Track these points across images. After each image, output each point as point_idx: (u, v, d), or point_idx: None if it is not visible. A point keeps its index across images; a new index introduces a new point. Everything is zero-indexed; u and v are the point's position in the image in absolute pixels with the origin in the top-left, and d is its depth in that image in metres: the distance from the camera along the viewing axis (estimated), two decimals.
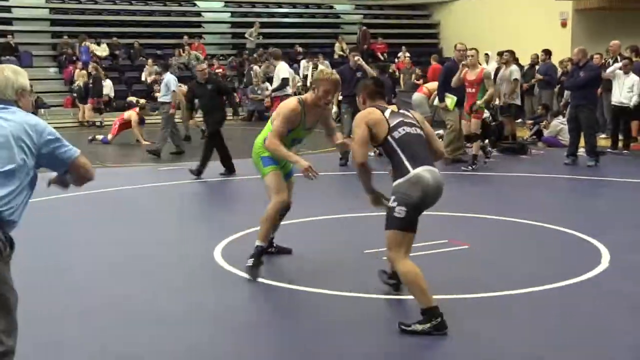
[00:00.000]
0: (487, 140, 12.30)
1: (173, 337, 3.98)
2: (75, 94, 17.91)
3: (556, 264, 5.29)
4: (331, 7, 25.27)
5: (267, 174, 5.00)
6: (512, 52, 12.45)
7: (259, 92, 18.48)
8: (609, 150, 11.47)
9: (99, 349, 3.82)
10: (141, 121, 13.92)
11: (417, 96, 11.89)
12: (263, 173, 5.04)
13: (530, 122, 13.73)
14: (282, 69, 11.15)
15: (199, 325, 4.14)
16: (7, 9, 20.79)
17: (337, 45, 22.23)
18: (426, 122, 4.37)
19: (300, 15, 24.39)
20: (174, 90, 11.57)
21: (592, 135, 10.24)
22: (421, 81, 17.78)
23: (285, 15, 24.23)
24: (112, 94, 18.88)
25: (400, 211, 3.93)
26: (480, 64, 15.55)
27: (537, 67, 14.96)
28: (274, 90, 11.27)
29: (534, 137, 13.01)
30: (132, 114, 13.80)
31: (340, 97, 10.73)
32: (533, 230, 6.35)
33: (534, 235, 6.24)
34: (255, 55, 20.30)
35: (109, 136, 13.94)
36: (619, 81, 11.73)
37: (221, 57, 21.70)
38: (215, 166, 9.66)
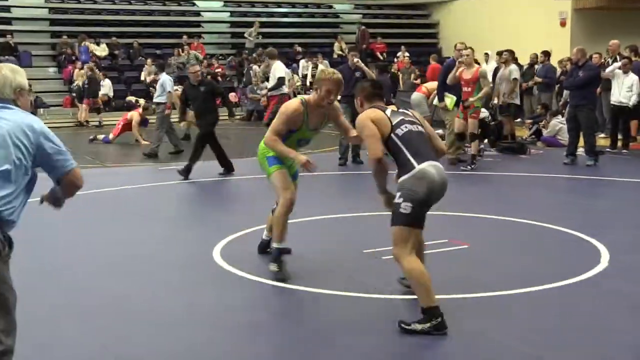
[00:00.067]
0: (485, 140, 12.34)
1: (172, 337, 3.98)
2: (74, 94, 17.91)
3: (555, 264, 5.30)
4: (330, 7, 25.27)
5: (272, 172, 5.00)
6: (511, 52, 12.46)
7: (258, 91, 18.49)
8: (608, 149, 11.49)
9: (98, 349, 3.82)
10: (144, 122, 13.92)
11: (416, 96, 11.89)
12: (268, 172, 5.04)
13: (529, 121, 13.74)
14: (278, 69, 11.15)
15: (199, 325, 4.14)
16: (7, 8, 20.78)
17: (336, 45, 22.24)
18: (426, 122, 4.40)
19: (299, 14, 24.39)
20: (169, 91, 11.56)
21: (591, 134, 10.25)
22: (419, 81, 17.82)
23: (285, 14, 24.23)
24: (111, 94, 18.89)
25: (406, 207, 3.93)
26: (479, 64, 15.56)
27: (536, 67, 14.97)
28: (270, 90, 11.28)
29: (533, 136, 13.02)
30: (134, 114, 13.81)
31: (339, 97, 10.72)
32: (532, 230, 6.36)
33: (534, 234, 6.25)
34: (254, 54, 20.30)
35: (110, 136, 13.94)
36: (618, 81, 11.74)
37: (220, 57, 21.70)
38: (214, 166, 9.66)
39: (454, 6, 23.14)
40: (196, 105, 9.37)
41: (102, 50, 20.37)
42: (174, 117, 11.70)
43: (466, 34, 19.28)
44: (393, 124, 4.08)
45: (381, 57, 21.89)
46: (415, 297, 4.08)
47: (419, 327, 3.87)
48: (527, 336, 3.90)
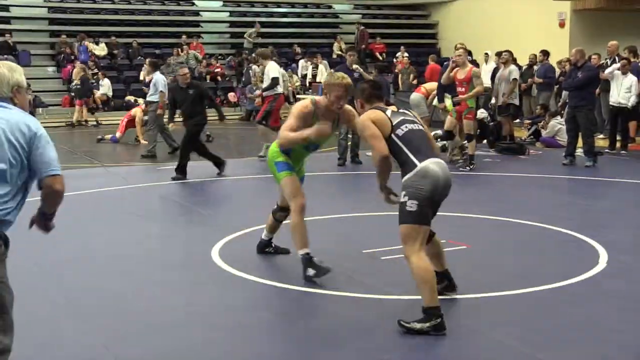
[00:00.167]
0: (484, 141, 12.35)
1: (172, 337, 3.98)
2: (73, 93, 17.89)
3: (554, 264, 5.30)
4: (330, 7, 25.27)
5: (282, 179, 4.98)
6: (510, 53, 12.46)
7: (258, 91, 18.48)
8: (606, 150, 11.50)
9: (97, 348, 3.82)
10: (146, 121, 13.91)
11: (415, 96, 11.89)
12: (278, 178, 5.01)
13: (527, 122, 13.75)
14: (272, 69, 11.14)
15: (198, 325, 4.14)
16: (5, 7, 20.75)
17: (335, 45, 22.24)
18: (423, 123, 4.40)
19: (298, 14, 24.39)
20: (161, 90, 11.54)
21: (590, 135, 10.26)
22: (415, 81, 17.85)
23: (284, 14, 24.23)
24: (110, 94, 18.88)
25: (412, 205, 3.94)
26: (478, 64, 15.54)
27: (535, 67, 14.98)
28: (264, 90, 11.28)
29: (532, 137, 13.04)
30: (137, 111, 13.80)
31: None
32: (531, 231, 6.36)
33: (532, 235, 6.25)
34: (253, 54, 20.29)
35: (117, 134, 13.93)
36: (617, 82, 11.75)
37: (219, 57, 21.70)
38: (212, 166, 9.66)
39: (454, 6, 23.16)
40: (185, 107, 9.35)
41: (101, 49, 20.36)
42: (165, 117, 11.67)
43: (465, 34, 19.30)
44: (393, 124, 4.10)
45: (380, 58, 21.92)
46: (414, 297, 4.08)
47: (418, 326, 3.87)
48: (527, 336, 3.90)
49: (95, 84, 18.77)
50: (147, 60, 19.25)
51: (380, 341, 3.86)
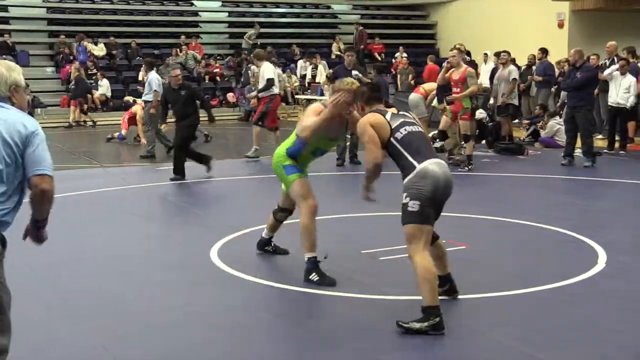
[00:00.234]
0: (483, 141, 12.36)
1: (171, 337, 3.98)
2: (71, 94, 17.88)
3: (553, 264, 5.30)
4: (328, 7, 25.27)
5: (292, 182, 4.94)
6: (509, 53, 12.42)
7: (253, 93, 18.48)
8: (605, 150, 11.50)
9: (95, 349, 3.81)
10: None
11: (413, 97, 11.90)
12: (288, 181, 4.97)
13: (526, 122, 13.76)
14: (267, 70, 11.13)
15: (197, 326, 4.13)
16: (4, 8, 20.74)
17: (334, 45, 22.25)
18: (422, 125, 4.45)
19: (297, 15, 24.39)
20: (155, 90, 11.53)
21: (589, 136, 10.26)
22: (413, 82, 17.87)
23: (283, 15, 24.23)
24: (109, 94, 18.87)
25: (413, 205, 3.97)
26: (477, 64, 15.53)
27: (533, 67, 14.99)
28: (260, 91, 11.28)
29: (530, 137, 13.04)
30: (137, 108, 13.79)
31: None
32: (530, 231, 6.37)
33: (531, 235, 6.26)
34: (252, 55, 20.29)
35: (123, 131, 13.93)
36: (615, 82, 11.75)
37: (218, 57, 21.70)
38: (212, 166, 9.66)
39: (452, 7, 23.17)
40: (177, 108, 9.32)
41: (100, 50, 20.35)
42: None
43: (464, 34, 19.32)
44: (392, 127, 4.13)
45: (379, 58, 21.92)
46: (413, 297, 4.08)
47: (416, 325, 3.87)
48: (526, 336, 3.90)
49: (94, 84, 18.77)
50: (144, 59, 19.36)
51: (379, 341, 3.86)
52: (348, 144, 10.47)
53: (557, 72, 14.60)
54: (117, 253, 5.76)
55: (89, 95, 18.02)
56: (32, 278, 4.94)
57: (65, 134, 16.07)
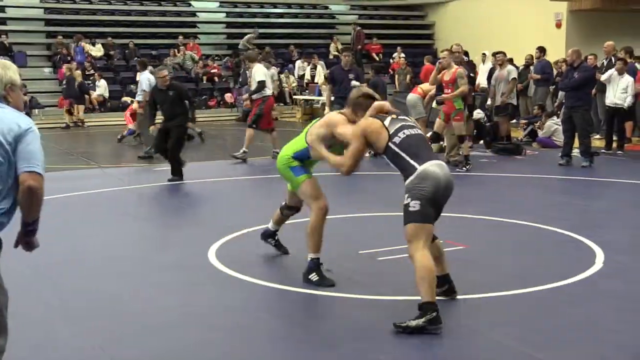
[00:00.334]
0: (481, 142, 12.37)
1: (168, 338, 3.97)
2: (63, 93, 17.83)
3: (551, 264, 5.31)
4: (326, 8, 25.27)
5: (301, 182, 4.90)
6: (505, 54, 12.38)
7: (245, 95, 18.48)
8: (603, 150, 11.52)
9: (93, 350, 3.81)
10: None
11: (411, 97, 11.89)
12: (297, 183, 4.93)
13: (523, 122, 13.77)
14: (258, 72, 11.09)
15: (195, 327, 4.13)
16: (1, 8, 20.72)
17: (332, 45, 22.26)
18: (421, 128, 4.49)
19: (295, 15, 24.39)
20: (144, 90, 11.48)
21: (587, 136, 10.27)
22: (409, 80, 17.90)
23: (281, 15, 24.22)
24: (106, 94, 18.85)
25: (414, 205, 4.01)
26: (475, 65, 15.54)
27: (531, 68, 15.00)
28: (252, 94, 11.26)
29: (528, 137, 13.05)
30: (137, 105, 13.77)
31: (333, 98, 10.73)
32: (528, 231, 6.37)
33: (529, 235, 6.26)
34: (244, 56, 20.29)
35: (130, 126, 13.90)
36: (613, 82, 11.77)
37: (216, 57, 21.69)
38: (208, 167, 9.65)
39: (450, 7, 23.19)
40: (165, 108, 9.28)
41: (97, 50, 20.33)
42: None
43: (462, 35, 19.32)
44: (390, 132, 4.17)
45: (377, 58, 21.93)
46: (412, 298, 4.08)
47: (413, 323, 3.88)
48: (525, 336, 3.90)
49: (91, 85, 18.76)
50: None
51: (378, 342, 3.86)
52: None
53: (555, 72, 14.62)
54: (114, 254, 5.76)
55: (87, 96, 17.98)
56: (30, 278, 4.93)
57: (62, 135, 16.06)
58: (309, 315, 4.45)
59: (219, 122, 18.88)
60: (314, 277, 4.78)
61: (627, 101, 11.63)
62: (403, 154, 4.10)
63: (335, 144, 4.74)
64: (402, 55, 20.59)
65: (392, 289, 4.66)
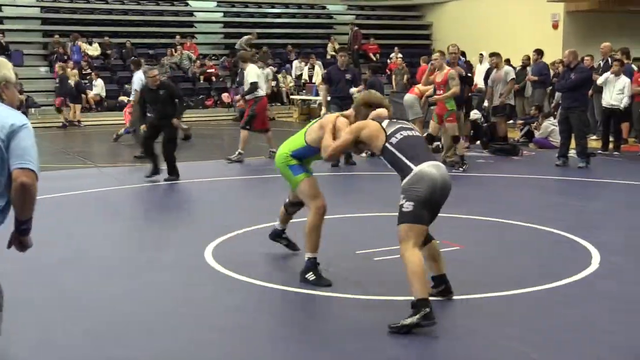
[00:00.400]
0: (478, 142, 12.38)
1: (167, 338, 3.97)
2: (55, 92, 17.79)
3: (547, 265, 5.32)
4: (324, 8, 25.28)
5: (299, 181, 4.90)
6: (498, 55, 12.31)
7: (238, 96, 18.48)
8: (599, 151, 11.54)
9: (91, 350, 3.80)
10: None
11: (408, 97, 11.89)
12: (295, 181, 4.92)
13: (520, 122, 13.79)
14: (251, 73, 11.05)
15: (194, 327, 4.12)
16: None
17: (329, 45, 22.26)
18: (419, 130, 4.54)
19: (292, 15, 24.38)
20: (135, 89, 11.46)
21: (583, 136, 10.29)
22: (405, 80, 17.93)
23: (278, 15, 24.21)
24: (103, 94, 18.83)
25: (408, 206, 4.05)
26: (472, 65, 15.53)
27: (528, 68, 15.02)
28: (244, 95, 11.25)
29: (524, 138, 13.07)
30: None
31: (329, 98, 10.73)
32: (525, 232, 6.38)
33: (526, 236, 6.27)
34: (237, 56, 20.28)
35: (128, 124, 13.87)
36: (609, 84, 11.79)
37: (213, 57, 21.67)
38: (203, 167, 9.64)
39: (448, 7, 23.21)
40: (156, 108, 9.24)
41: (94, 49, 20.30)
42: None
43: (459, 35, 19.34)
44: (388, 133, 4.23)
45: (374, 58, 21.94)
46: (409, 298, 4.08)
47: (407, 321, 3.90)
48: (521, 336, 3.91)
49: (88, 84, 18.73)
50: (141, 60, 19.33)
51: (375, 342, 3.86)
52: None
53: (551, 73, 14.64)
54: (111, 254, 5.75)
55: (83, 95, 17.96)
56: (26, 278, 4.92)
57: (59, 134, 16.04)
58: (306, 315, 4.45)
59: (215, 121, 18.87)
60: (310, 276, 4.79)
61: (624, 102, 11.65)
62: (400, 155, 4.14)
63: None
64: (400, 55, 20.60)
65: (389, 289, 4.66)
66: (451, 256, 5.19)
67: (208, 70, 20.61)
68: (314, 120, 5.04)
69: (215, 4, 23.74)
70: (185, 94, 19.21)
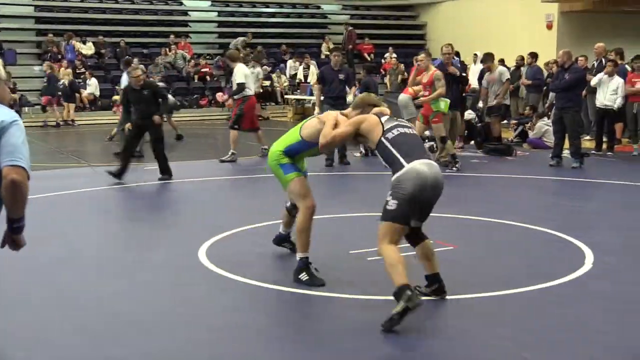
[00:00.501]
0: (472, 142, 12.40)
1: (162, 338, 3.96)
2: (59, 93, 17.76)
3: (541, 265, 5.33)
4: (318, 7, 25.27)
5: (289, 181, 4.89)
6: (490, 55, 12.28)
7: (225, 96, 18.47)
8: (593, 152, 11.57)
9: (86, 349, 3.79)
10: None
11: (402, 97, 11.91)
12: (285, 181, 4.91)
13: (514, 122, 13.81)
14: (239, 73, 11.00)
15: (188, 326, 4.11)
16: None
17: (324, 45, 22.26)
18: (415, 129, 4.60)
19: (287, 15, 24.37)
20: (122, 89, 11.43)
21: (577, 137, 10.31)
22: (399, 79, 17.96)
23: (272, 15, 24.19)
24: (97, 93, 18.78)
25: (392, 204, 4.11)
26: (467, 65, 15.55)
27: (522, 69, 15.05)
28: (231, 95, 11.23)
29: (518, 138, 13.09)
30: None
31: (322, 98, 10.72)
32: (518, 232, 6.39)
33: (519, 236, 6.28)
34: (241, 55, 20.25)
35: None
36: (603, 84, 11.82)
37: (207, 57, 21.64)
38: (196, 166, 9.62)
39: (442, 7, 23.24)
40: (140, 108, 9.19)
41: (88, 49, 20.25)
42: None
43: (454, 35, 19.36)
44: (385, 128, 4.27)
45: (369, 58, 21.94)
46: None
47: (394, 311, 3.90)
48: (514, 336, 3.91)
49: (82, 83, 18.68)
50: (135, 59, 19.26)
51: (368, 341, 3.86)
52: None
53: (545, 74, 14.67)
54: (104, 254, 5.73)
55: (77, 94, 17.90)
56: (20, 278, 4.90)
57: (52, 133, 15.99)
58: (301, 315, 4.45)
59: (209, 121, 18.85)
60: (304, 276, 4.78)
61: (617, 103, 11.68)
62: (394, 150, 4.18)
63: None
64: (394, 55, 20.62)
65: (382, 288, 4.65)
66: (444, 256, 5.20)
67: (202, 70, 20.58)
68: (306, 120, 5.04)
69: (209, 3, 23.71)
70: (179, 94, 19.26)
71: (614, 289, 4.77)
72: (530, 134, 12.82)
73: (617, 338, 3.94)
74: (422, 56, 10.12)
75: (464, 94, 11.95)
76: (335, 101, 10.04)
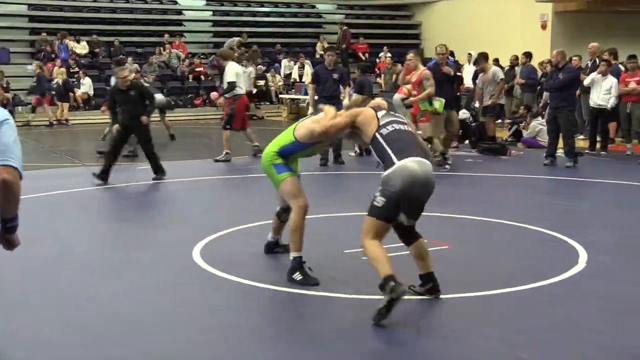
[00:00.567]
0: (466, 141, 12.41)
1: (159, 338, 3.95)
2: (53, 92, 17.72)
3: (534, 264, 5.33)
4: (313, 7, 25.27)
5: (282, 180, 4.87)
6: (484, 55, 12.29)
7: (216, 94, 18.43)
8: (587, 151, 11.60)
9: (86, 349, 3.78)
10: None
11: (397, 97, 11.90)
12: (277, 180, 4.90)
13: (508, 122, 13.83)
14: (230, 72, 10.97)
15: (184, 327, 4.10)
16: None
17: (318, 44, 22.26)
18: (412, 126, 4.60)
19: (282, 14, 24.36)
20: (110, 89, 11.40)
21: (571, 136, 10.34)
22: (394, 79, 17.98)
23: (267, 14, 24.19)
24: (91, 92, 18.74)
25: (379, 201, 4.14)
26: (461, 64, 15.56)
27: (516, 68, 15.08)
28: (222, 94, 11.21)
29: (512, 137, 13.11)
30: None
31: (316, 98, 10.71)
32: (512, 231, 6.40)
33: (513, 235, 6.29)
34: (236, 54, 20.23)
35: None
36: (597, 84, 11.85)
37: (202, 56, 21.61)
38: (190, 166, 9.60)
39: (437, 7, 23.26)
40: (127, 109, 9.13)
41: (82, 48, 20.20)
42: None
43: (448, 34, 19.40)
44: (380, 124, 4.28)
45: (363, 57, 21.95)
46: None
47: (381, 304, 3.92)
48: (507, 336, 3.92)
49: (76, 82, 18.64)
50: (129, 59, 19.21)
51: (363, 340, 3.86)
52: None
53: (539, 73, 14.70)
54: (99, 254, 5.72)
55: (70, 94, 17.86)
56: (14, 278, 4.88)
57: (45, 133, 15.93)
58: (295, 315, 4.44)
59: (204, 120, 18.82)
60: (297, 276, 4.78)
61: (611, 102, 11.71)
62: (386, 146, 4.19)
63: (324, 140, 4.85)
64: (389, 54, 20.63)
65: (376, 288, 4.64)
66: (438, 255, 5.20)
67: (197, 69, 20.55)
68: (302, 119, 5.04)
69: (204, 2, 23.69)
70: (173, 93, 19.24)
71: (608, 288, 4.78)
72: (525, 134, 12.85)
73: (611, 337, 3.95)
74: (410, 55, 10.17)
75: (458, 94, 11.96)
76: (330, 101, 10.00)
